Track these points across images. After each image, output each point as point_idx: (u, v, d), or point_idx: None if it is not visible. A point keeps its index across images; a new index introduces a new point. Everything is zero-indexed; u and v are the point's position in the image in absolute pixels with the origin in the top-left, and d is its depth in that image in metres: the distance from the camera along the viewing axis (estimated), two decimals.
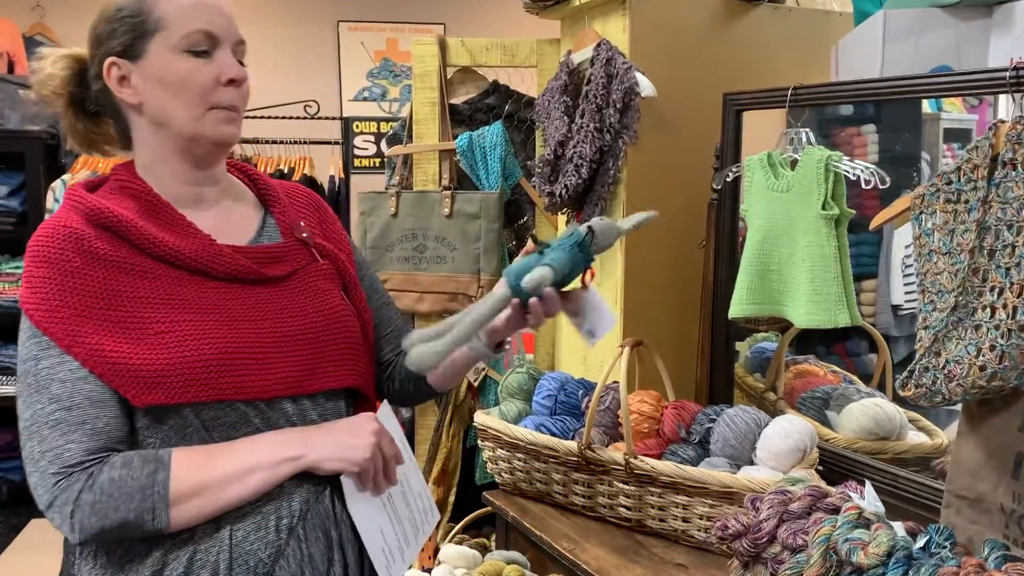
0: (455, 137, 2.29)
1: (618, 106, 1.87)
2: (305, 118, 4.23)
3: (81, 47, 1.21)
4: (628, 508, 1.62)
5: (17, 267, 3.70)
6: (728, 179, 1.78)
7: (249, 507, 1.09)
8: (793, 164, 1.66)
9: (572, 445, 1.65)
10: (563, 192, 1.94)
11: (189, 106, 1.12)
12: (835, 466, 1.62)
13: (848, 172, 1.54)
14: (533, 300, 1.14)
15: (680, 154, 1.96)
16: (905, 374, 1.26)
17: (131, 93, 1.14)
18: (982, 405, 1.24)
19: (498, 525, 1.86)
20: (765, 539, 1.22)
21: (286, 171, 4.00)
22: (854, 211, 1.59)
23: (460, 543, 2.13)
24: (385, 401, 1.26)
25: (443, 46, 2.31)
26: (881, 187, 1.50)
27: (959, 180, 1.23)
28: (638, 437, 1.67)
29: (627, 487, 1.60)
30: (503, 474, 1.80)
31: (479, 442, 1.84)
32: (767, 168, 1.69)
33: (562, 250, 1.15)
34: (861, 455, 1.61)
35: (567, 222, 2.10)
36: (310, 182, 3.99)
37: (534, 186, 2.09)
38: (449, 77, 2.34)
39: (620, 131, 1.89)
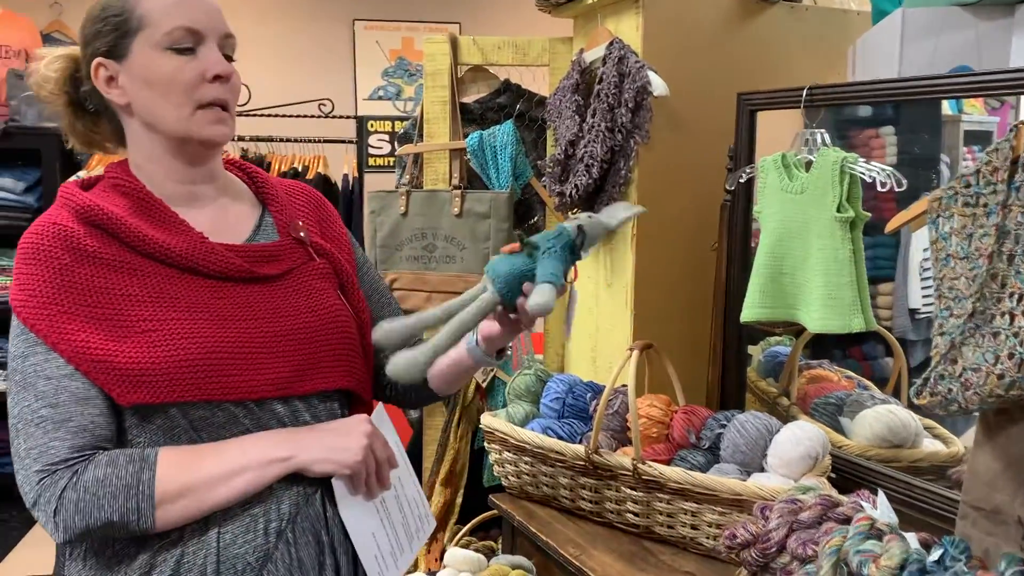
0: (466, 136, 2.27)
1: (630, 105, 1.84)
2: (320, 117, 4.23)
3: None
4: (636, 514, 1.59)
5: None
6: (741, 180, 1.75)
7: (238, 509, 1.08)
8: (808, 165, 1.62)
9: (579, 449, 1.62)
10: (573, 192, 1.92)
11: (176, 106, 1.11)
12: (848, 474, 1.59)
13: (864, 174, 1.51)
14: (521, 304, 1.14)
15: (693, 154, 1.93)
16: (920, 382, 1.23)
17: (119, 93, 1.13)
18: (1000, 414, 1.20)
19: (504, 529, 1.84)
20: (774, 549, 1.19)
21: (300, 169, 4.00)
22: (870, 214, 1.55)
23: (467, 545, 2.11)
24: (380, 403, 1.24)
25: (455, 44, 2.29)
26: (897, 190, 1.47)
27: (978, 183, 1.20)
28: (647, 442, 1.64)
29: (635, 493, 1.58)
30: (510, 477, 1.78)
31: (485, 444, 1.81)
32: (781, 169, 1.66)
33: (555, 258, 1.12)
34: (874, 463, 1.58)
35: None
36: (324, 181, 3.99)
37: (544, 186, 2.07)
38: (460, 76, 2.32)
39: (632, 131, 1.86)
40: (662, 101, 1.87)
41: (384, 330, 1.12)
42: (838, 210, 1.54)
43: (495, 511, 1.82)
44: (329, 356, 1.17)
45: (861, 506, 1.21)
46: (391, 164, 4.79)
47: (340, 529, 1.15)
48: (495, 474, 1.82)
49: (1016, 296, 1.14)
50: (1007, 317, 1.14)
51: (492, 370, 2.27)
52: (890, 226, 1.43)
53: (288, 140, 4.12)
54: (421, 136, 2.35)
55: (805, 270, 1.61)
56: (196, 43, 1.12)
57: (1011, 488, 1.18)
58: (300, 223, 1.25)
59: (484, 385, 2.31)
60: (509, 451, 1.75)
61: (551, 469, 1.69)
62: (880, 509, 1.20)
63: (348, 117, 4.32)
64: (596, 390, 1.80)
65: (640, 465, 1.54)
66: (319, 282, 1.22)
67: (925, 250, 1.88)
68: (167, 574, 1.06)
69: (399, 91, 4.80)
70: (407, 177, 2.33)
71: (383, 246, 2.30)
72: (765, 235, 1.68)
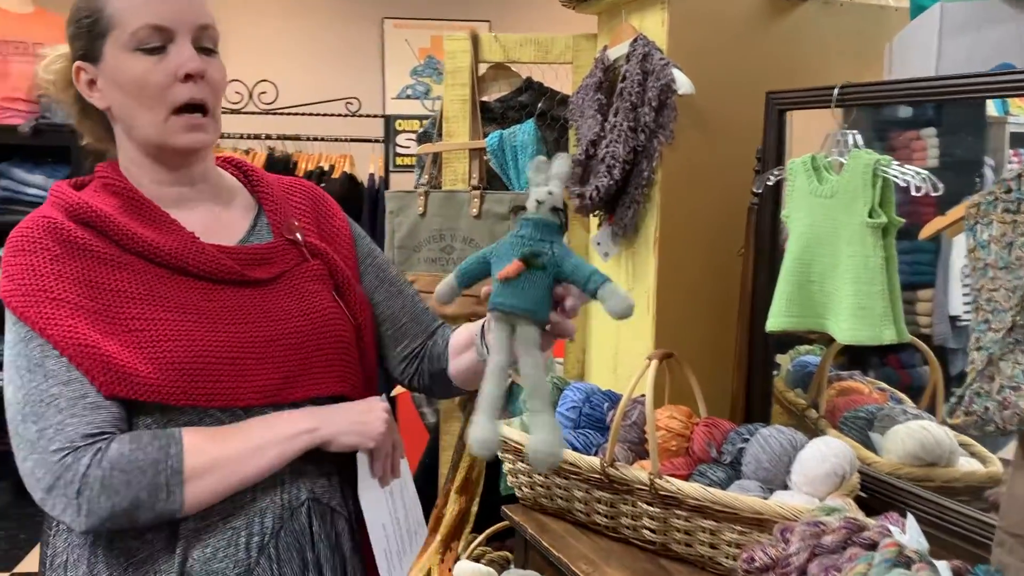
0: (486, 135, 2.22)
1: (653, 104, 1.78)
2: (347, 116, 4.21)
3: None
4: (653, 531, 1.52)
5: None
6: (769, 183, 1.68)
7: (219, 522, 1.04)
8: (839, 168, 1.55)
9: (594, 462, 1.56)
10: (594, 194, 1.86)
11: (150, 110, 1.07)
12: (877, 492, 1.51)
13: (897, 177, 1.43)
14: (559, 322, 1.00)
15: (719, 155, 1.86)
16: (954, 399, 1.16)
17: (99, 97, 1.11)
18: None
19: (517, 542, 1.78)
20: (794, 575, 1.12)
21: (326, 169, 4.00)
22: (904, 220, 1.47)
23: (482, 555, 2.06)
24: (383, 396, 1.21)
25: (476, 42, 2.24)
26: (933, 194, 1.39)
27: (1019, 188, 1.12)
28: (666, 455, 1.58)
29: (652, 508, 1.51)
30: (523, 488, 1.72)
31: (499, 453, 1.76)
32: (810, 172, 1.58)
33: (568, 252, 0.97)
34: (906, 482, 1.50)
35: (599, 225, 2.01)
36: (350, 180, 3.98)
37: (565, 187, 2.00)
38: (482, 74, 2.27)
39: (655, 131, 1.80)
40: (687, 100, 1.80)
41: (480, 446, 0.95)
42: (870, 215, 1.46)
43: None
44: (321, 362, 1.13)
45: (889, 530, 1.14)
46: None
47: (327, 545, 1.12)
48: (509, 484, 1.77)
49: None
50: None
51: (510, 376, 2.22)
52: (924, 232, 1.36)
53: (315, 139, 4.11)
54: (440, 135, 2.31)
55: (834, 278, 1.54)
56: (166, 41, 1.07)
57: None
58: (296, 223, 1.21)
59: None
60: (523, 462, 1.69)
61: (565, 481, 1.63)
62: (909, 534, 1.13)
63: (375, 116, 4.30)
64: (614, 399, 1.73)
65: (657, 480, 1.48)
66: (312, 284, 1.18)
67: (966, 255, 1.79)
68: None
69: (428, 90, 4.76)
70: (426, 177, 2.28)
71: (401, 247, 2.26)
72: (793, 240, 1.61)
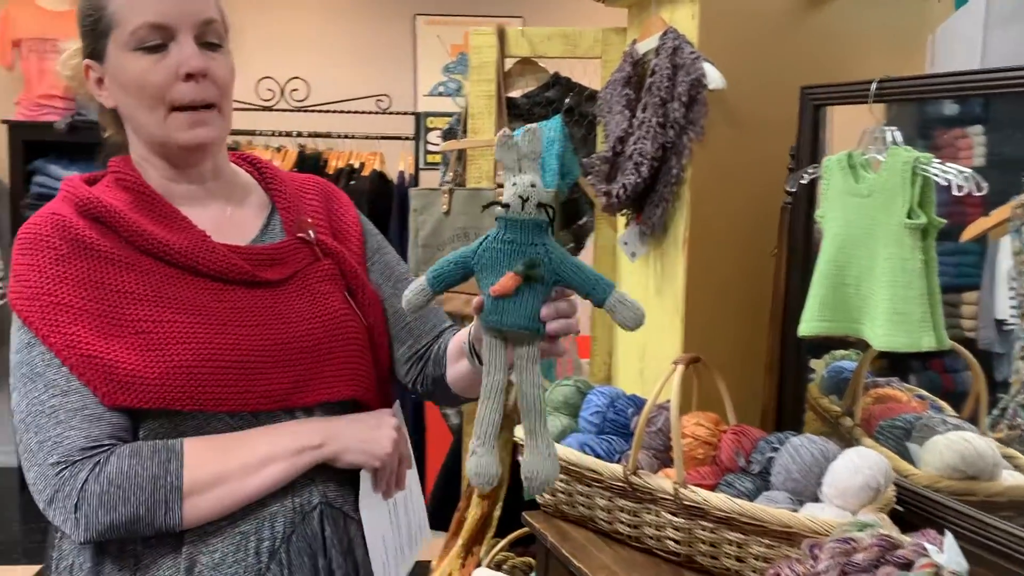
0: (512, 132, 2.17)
1: (683, 99, 1.72)
2: (377, 113, 4.19)
3: None
4: (677, 541, 1.47)
5: None
6: (804, 181, 1.62)
7: (227, 527, 1.01)
8: (877, 166, 1.48)
9: (617, 469, 1.51)
10: (621, 192, 1.80)
11: (150, 109, 1.05)
12: (914, 506, 1.44)
13: (938, 176, 1.36)
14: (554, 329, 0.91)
15: (751, 153, 1.80)
16: (997, 412, 1.09)
17: (107, 96, 1.10)
18: None
19: (538, 550, 1.73)
20: None
21: (356, 166, 3.98)
22: (945, 220, 1.40)
23: (504, 561, 2.03)
24: (397, 401, 1.18)
25: (502, 36, 2.20)
26: (977, 194, 1.31)
27: None
28: (692, 464, 1.52)
29: (676, 519, 1.46)
30: (544, 494, 1.67)
31: (519, 457, 1.72)
32: (847, 170, 1.52)
33: (567, 256, 0.89)
34: (945, 496, 1.43)
35: (626, 224, 1.96)
36: (380, 178, 3.96)
37: (593, 185, 1.96)
38: (508, 69, 2.23)
39: (685, 127, 1.74)
40: (718, 95, 1.74)
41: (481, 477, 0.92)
42: (908, 216, 1.39)
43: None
44: (332, 366, 1.10)
45: (925, 549, 1.07)
46: None
47: (339, 552, 1.09)
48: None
49: None
50: None
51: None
52: (967, 234, 1.29)
53: (346, 136, 4.10)
54: (465, 132, 2.27)
55: (870, 281, 1.47)
56: (166, 39, 1.04)
57: None
58: (309, 220, 1.18)
59: None
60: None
61: (588, 488, 1.58)
62: (947, 553, 1.07)
63: (406, 113, 4.28)
64: (639, 405, 1.68)
65: (682, 489, 1.42)
66: (324, 285, 1.15)
67: None
68: None
69: (459, 87, 4.73)
70: (450, 175, 2.25)
71: (425, 246, 2.22)
72: (827, 241, 1.55)
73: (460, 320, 2.17)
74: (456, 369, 1.19)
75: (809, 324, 1.56)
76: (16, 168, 4.19)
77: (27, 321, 1.00)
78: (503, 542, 2.06)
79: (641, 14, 2.00)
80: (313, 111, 4.15)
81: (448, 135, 2.39)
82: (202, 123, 1.07)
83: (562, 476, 1.61)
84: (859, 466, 1.36)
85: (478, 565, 2.03)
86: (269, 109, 4.08)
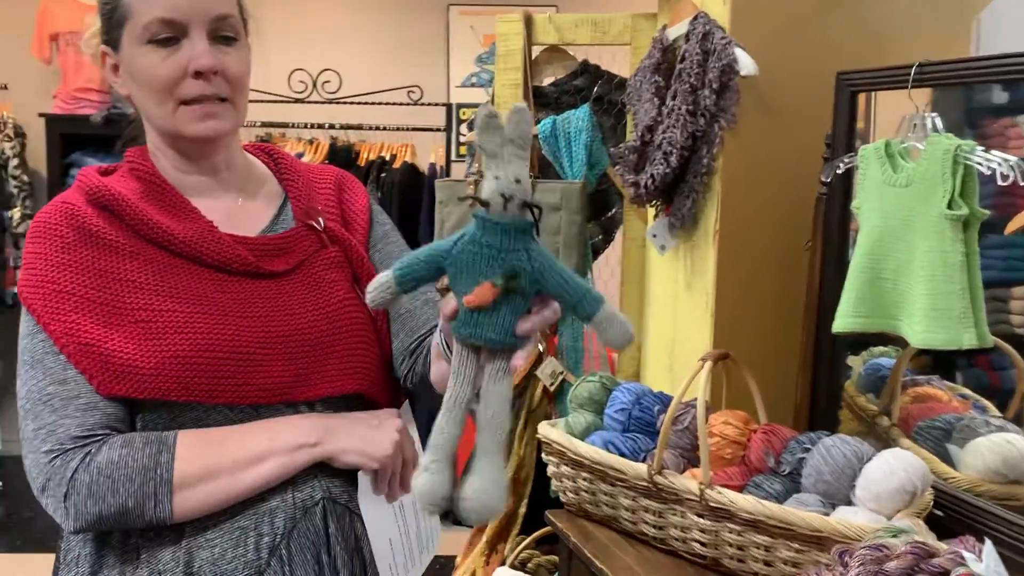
0: (539, 122, 2.13)
1: (714, 86, 1.66)
2: (409, 104, 4.18)
3: None
4: (703, 544, 1.42)
5: None
6: (839, 171, 1.56)
7: (226, 521, 1.00)
8: (917, 155, 1.42)
9: (641, 468, 1.47)
10: (649, 183, 1.76)
11: (159, 103, 1.06)
12: (953, 511, 1.38)
13: (981, 164, 1.29)
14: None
15: (785, 141, 1.74)
16: None
17: (121, 84, 1.10)
18: None
19: (561, 549, 1.70)
20: None
21: (388, 158, 3.97)
22: (989, 212, 1.33)
23: (528, 560, 1.99)
24: (407, 403, 1.15)
25: (529, 23, 2.15)
26: (1022, 183, 1.24)
27: None
28: (719, 464, 1.47)
29: (702, 520, 1.41)
30: (568, 493, 1.64)
31: (543, 456, 1.68)
32: (884, 159, 1.45)
33: (553, 264, 0.79)
34: (986, 501, 1.36)
35: (655, 216, 1.91)
36: (411, 169, 3.94)
37: (619, 175, 1.91)
38: (535, 57, 2.18)
39: (716, 115, 1.68)
40: (751, 82, 1.68)
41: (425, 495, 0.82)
42: (949, 206, 1.32)
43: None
44: (337, 359, 1.09)
45: (962, 557, 1.02)
46: None
47: (343, 547, 1.06)
48: (554, 488, 1.69)
49: None
50: None
51: (561, 373, 2.13)
52: (1012, 225, 1.22)
53: (377, 128, 4.09)
54: None
55: (908, 275, 1.41)
56: (179, 33, 1.04)
57: None
58: (319, 208, 1.17)
59: (552, 389, 2.16)
60: (567, 465, 1.61)
61: (611, 488, 1.54)
62: (986, 562, 1.01)
63: (438, 104, 4.25)
64: (666, 402, 1.63)
65: (708, 490, 1.38)
66: (330, 273, 1.14)
67: None
68: None
69: (492, 78, 4.69)
70: (476, 166, 2.21)
71: None
72: (864, 234, 1.49)
73: None
74: (438, 369, 1.13)
75: (844, 320, 1.50)
76: (53, 161, 4.25)
77: (31, 308, 1.01)
78: (528, 540, 2.02)
79: None
80: (345, 103, 4.15)
81: (474, 126, 2.35)
82: (212, 115, 1.06)
83: (585, 475, 1.57)
84: (895, 468, 1.31)
85: (502, 563, 2.00)
86: (301, 101, 4.08)
